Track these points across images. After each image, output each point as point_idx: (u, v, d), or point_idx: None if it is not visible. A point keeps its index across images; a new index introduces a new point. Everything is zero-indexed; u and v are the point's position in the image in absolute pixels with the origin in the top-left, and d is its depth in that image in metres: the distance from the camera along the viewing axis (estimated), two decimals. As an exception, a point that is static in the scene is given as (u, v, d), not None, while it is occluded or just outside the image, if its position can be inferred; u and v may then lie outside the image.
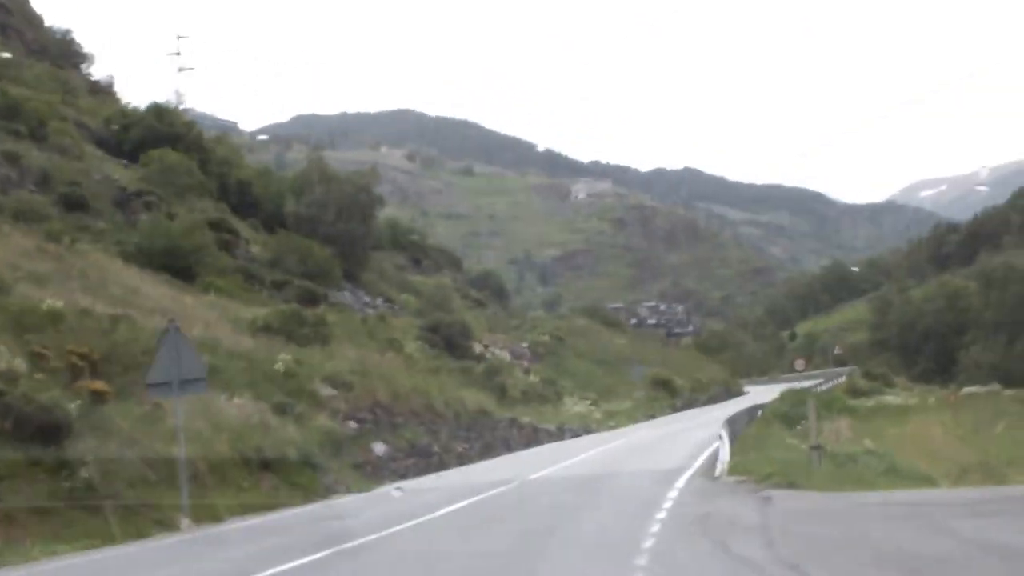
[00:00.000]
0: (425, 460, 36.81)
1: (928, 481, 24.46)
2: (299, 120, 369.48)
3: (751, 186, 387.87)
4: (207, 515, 23.99)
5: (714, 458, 30.21)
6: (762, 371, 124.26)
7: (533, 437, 50.27)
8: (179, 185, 61.25)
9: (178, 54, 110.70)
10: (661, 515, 18.19)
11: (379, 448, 34.55)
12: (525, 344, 78.85)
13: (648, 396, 75.53)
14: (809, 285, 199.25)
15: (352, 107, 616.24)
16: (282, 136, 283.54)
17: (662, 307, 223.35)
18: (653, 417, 69.13)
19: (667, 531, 16.08)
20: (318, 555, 16.27)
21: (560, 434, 54.23)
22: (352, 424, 34.87)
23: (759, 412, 50.13)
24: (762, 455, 28.09)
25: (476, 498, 24.56)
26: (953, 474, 26.54)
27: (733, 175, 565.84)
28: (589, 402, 67.68)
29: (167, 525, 22.67)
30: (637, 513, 19.00)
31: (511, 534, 17.46)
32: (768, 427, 41.52)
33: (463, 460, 39.52)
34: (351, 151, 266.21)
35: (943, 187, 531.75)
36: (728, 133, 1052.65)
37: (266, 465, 28.40)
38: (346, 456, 32.88)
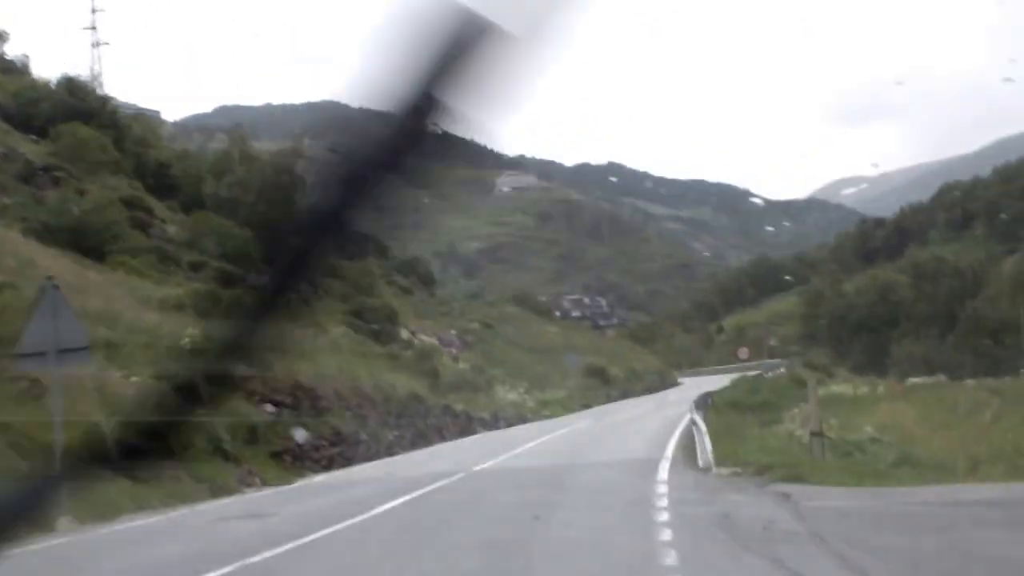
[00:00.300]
0: (352, 449, 32.39)
1: (949, 472, 20.47)
2: (223, 111, 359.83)
3: (675, 182, 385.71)
4: (93, 513, 19.47)
5: (685, 447, 26.38)
6: (692, 363, 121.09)
7: (467, 426, 46.08)
8: (91, 161, 57.06)
9: (93, 28, 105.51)
10: (663, 517, 14.03)
11: (300, 435, 30.11)
12: (453, 331, 74.87)
13: (582, 385, 71.64)
14: (735, 278, 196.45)
15: (277, 98, 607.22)
16: (206, 126, 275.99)
17: (586, 300, 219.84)
18: (588, 407, 65.63)
19: (687, 542, 11.82)
20: (218, 573, 11.82)
21: (495, 423, 50.45)
22: (269, 407, 30.39)
23: (711, 400, 46.42)
24: (748, 444, 24.24)
25: (417, 493, 20.26)
26: (963, 466, 22.59)
27: (657, 171, 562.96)
28: (522, 390, 64.04)
29: (41, 526, 18.08)
30: (631, 515, 14.84)
31: (474, 547, 12.96)
32: (725, 415, 37.66)
33: (393, 449, 35.16)
34: (275, 142, 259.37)
35: (864, 185, 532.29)
36: (652, 129, 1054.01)
37: (168, 453, 23.96)
38: (262, 444, 28.46)
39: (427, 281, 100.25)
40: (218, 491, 24.16)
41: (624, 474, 21.27)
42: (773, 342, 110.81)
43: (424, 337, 66.81)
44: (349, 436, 32.58)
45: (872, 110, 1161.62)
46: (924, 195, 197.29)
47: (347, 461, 31.37)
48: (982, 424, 32.91)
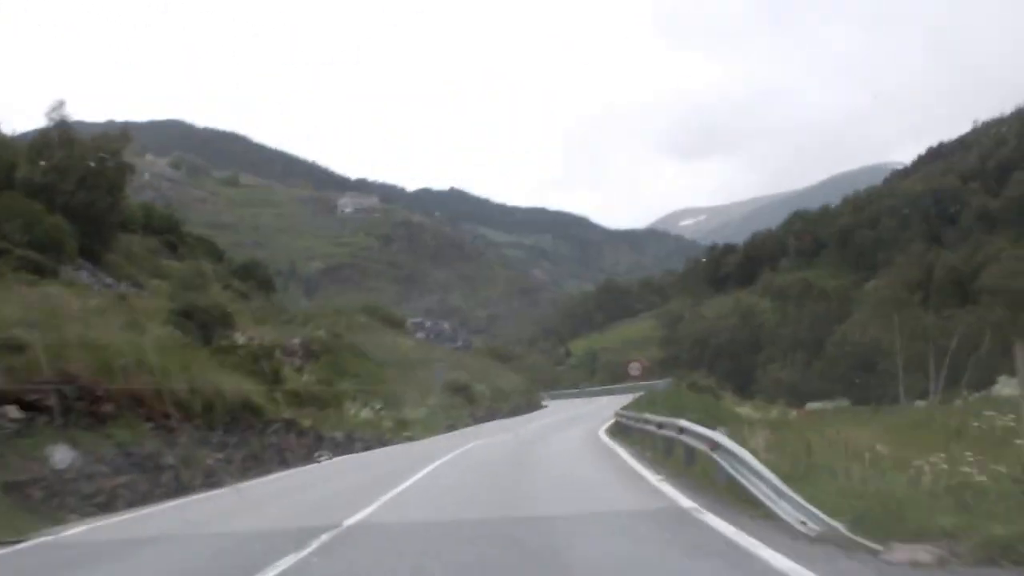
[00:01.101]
0: (150, 478, 20.53)
1: None
2: (63, 126, 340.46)
3: (515, 209, 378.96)
4: None
5: (694, 488, 15.44)
6: (547, 385, 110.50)
7: (317, 447, 34.27)
8: None
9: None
10: None
11: (61, 455, 18.13)
12: (297, 340, 62.91)
13: (445, 403, 60.27)
14: (582, 303, 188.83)
15: (120, 115, 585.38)
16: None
17: (428, 323, 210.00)
18: (454, 428, 54.82)
19: None
20: None
21: (349, 444, 38.97)
22: (12, 411, 18.37)
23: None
24: (832, 483, 13.40)
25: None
26: None
27: (498, 198, 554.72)
28: (378, 407, 52.85)
29: None
30: None
31: None
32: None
33: (216, 478, 23.29)
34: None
35: (702, 217, 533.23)
36: (493, 156, 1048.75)
37: None
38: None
39: (266, 287, 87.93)
40: None
41: (678, 551, 10.16)
42: (644, 364, 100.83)
43: (264, 345, 55.48)
44: (146, 459, 20.67)
45: (710, 144, 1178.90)
46: (761, 227, 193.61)
47: (140, 497, 19.63)
48: None
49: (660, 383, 67.27)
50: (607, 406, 69.00)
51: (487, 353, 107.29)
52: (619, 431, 35.37)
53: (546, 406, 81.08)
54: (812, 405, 63.91)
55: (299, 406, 42.88)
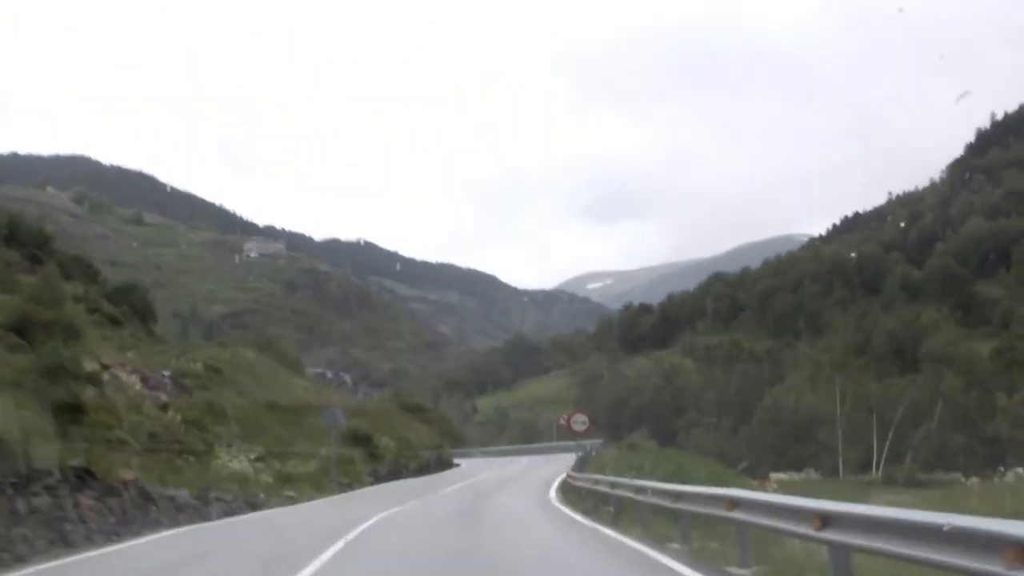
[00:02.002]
0: None
1: None
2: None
3: (424, 264, 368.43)
4: None
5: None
6: (454, 442, 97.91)
7: (140, 514, 21.68)
8: None
9: None
10: None
11: None
12: (167, 372, 50.28)
13: (341, 457, 47.74)
14: (490, 358, 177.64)
15: (24, 147, 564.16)
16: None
17: (329, 375, 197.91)
18: (350, 488, 42.76)
19: None
20: None
21: (204, 508, 26.55)
22: None
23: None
24: None
25: None
26: None
27: (407, 251, 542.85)
28: (254, 457, 40.65)
29: None
30: None
31: None
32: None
33: None
34: (15, 189, 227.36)
35: (609, 281, 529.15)
36: (403, 211, 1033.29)
37: None
38: None
39: (144, 315, 74.65)
40: None
41: None
42: (563, 421, 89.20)
43: (123, 375, 42.91)
44: None
45: (619, 209, 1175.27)
46: (668, 293, 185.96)
47: None
48: None
49: (593, 443, 55.46)
50: (533, 467, 57.68)
51: (393, 401, 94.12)
52: (592, 506, 23.66)
53: (459, 464, 69.18)
54: (777, 476, 52.41)
55: (151, 452, 30.77)
